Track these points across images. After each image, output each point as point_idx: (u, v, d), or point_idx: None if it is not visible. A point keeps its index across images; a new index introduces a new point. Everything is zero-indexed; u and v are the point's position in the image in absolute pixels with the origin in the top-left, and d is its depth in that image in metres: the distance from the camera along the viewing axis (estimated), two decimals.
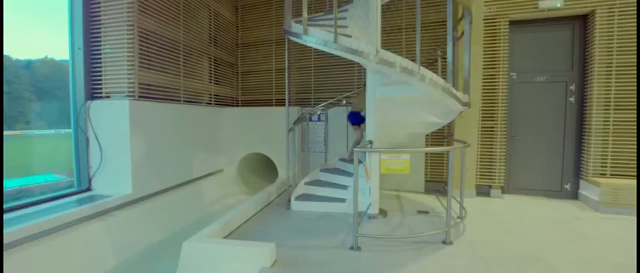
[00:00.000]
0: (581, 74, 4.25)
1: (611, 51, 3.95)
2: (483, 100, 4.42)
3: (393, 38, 4.80)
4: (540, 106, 4.41)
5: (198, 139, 4.71)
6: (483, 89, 4.40)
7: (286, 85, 4.00)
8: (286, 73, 4.04)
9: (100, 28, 3.57)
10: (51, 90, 3.72)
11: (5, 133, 3.06)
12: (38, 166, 3.70)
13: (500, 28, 4.34)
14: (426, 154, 4.81)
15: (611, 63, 3.95)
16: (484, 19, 4.34)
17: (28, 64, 3.57)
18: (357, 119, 4.17)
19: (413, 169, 4.75)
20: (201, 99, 4.87)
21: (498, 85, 4.38)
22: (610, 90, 3.97)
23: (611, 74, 3.96)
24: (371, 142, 3.40)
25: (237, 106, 5.83)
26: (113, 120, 3.49)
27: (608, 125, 3.99)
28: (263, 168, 6.03)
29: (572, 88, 4.29)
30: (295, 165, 4.72)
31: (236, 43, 5.80)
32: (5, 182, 3.13)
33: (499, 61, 4.36)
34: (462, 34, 3.66)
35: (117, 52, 3.56)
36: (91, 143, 3.56)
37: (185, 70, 4.42)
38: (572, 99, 4.30)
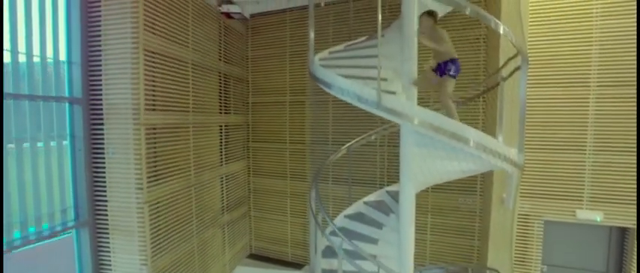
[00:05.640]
0: None
1: None
2: None
3: None
4: None
5: None
6: None
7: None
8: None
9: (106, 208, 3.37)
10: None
11: None
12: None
13: (533, 227, 4.17)
14: None
15: None
16: (518, 216, 4.16)
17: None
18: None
19: None
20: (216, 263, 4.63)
21: None
22: None
23: None
24: None
25: (251, 254, 5.62)
26: None
27: None
28: None
29: None
30: None
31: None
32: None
33: (531, 260, 4.17)
34: None
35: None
36: None
37: (198, 240, 4.21)
38: None
